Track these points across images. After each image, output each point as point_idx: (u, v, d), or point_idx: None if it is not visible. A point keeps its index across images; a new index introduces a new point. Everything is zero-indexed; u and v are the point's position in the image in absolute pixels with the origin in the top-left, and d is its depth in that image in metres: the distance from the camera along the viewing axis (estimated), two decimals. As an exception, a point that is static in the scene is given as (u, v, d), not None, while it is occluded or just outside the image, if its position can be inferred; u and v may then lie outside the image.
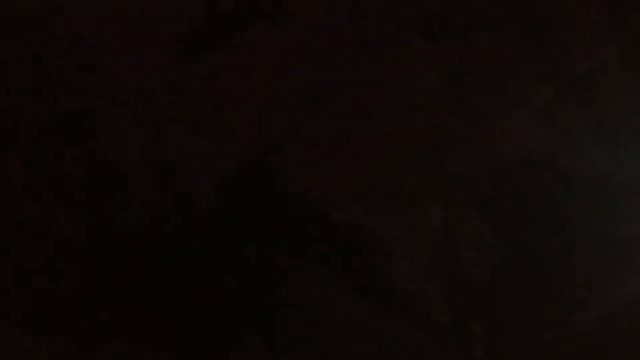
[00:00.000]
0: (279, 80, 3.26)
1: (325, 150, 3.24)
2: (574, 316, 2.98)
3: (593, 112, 3.06)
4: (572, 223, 3.02)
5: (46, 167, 3.28)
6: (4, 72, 3.20)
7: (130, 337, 3.23)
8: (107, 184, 3.24)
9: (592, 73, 3.10)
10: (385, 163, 3.17)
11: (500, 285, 3.02)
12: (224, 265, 3.30)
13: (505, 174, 3.00)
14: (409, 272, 3.16)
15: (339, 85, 3.21)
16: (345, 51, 3.21)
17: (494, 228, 3.01)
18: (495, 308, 3.05)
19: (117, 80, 3.22)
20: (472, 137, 3.05)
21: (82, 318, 3.26)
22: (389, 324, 3.25)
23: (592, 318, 2.94)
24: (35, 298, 3.26)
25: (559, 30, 3.04)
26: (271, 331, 3.22)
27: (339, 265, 3.30)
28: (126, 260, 3.23)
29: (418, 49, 3.15)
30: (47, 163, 3.25)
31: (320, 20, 3.22)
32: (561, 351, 3.08)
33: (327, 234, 3.28)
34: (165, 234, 3.26)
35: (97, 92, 3.25)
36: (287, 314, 3.23)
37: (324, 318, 3.18)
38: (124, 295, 3.22)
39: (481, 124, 3.10)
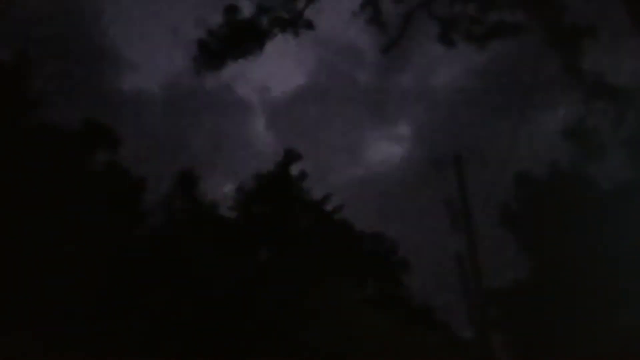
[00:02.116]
0: (299, 90, 3.26)
1: (345, 159, 3.23)
2: (599, 328, 2.92)
3: (622, 123, 2.99)
4: (599, 234, 2.96)
5: (64, 173, 3.28)
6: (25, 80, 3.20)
7: (144, 345, 3.21)
8: (126, 191, 3.23)
9: (620, 83, 3.03)
10: (404, 172, 3.15)
11: (523, 296, 2.96)
12: (243, 275, 3.27)
13: (531, 185, 2.95)
14: (431, 283, 3.11)
15: (357, 93, 3.20)
16: (363, 61, 3.21)
17: (518, 239, 2.96)
18: (519, 319, 3.00)
19: (136, 90, 3.23)
20: (498, 146, 3.00)
21: (91, 327, 3.24)
22: (411, 334, 3.21)
23: (620, 330, 2.88)
24: (45, 304, 3.24)
25: (586, 39, 2.98)
26: (290, 339, 3.20)
27: (359, 276, 3.26)
28: (144, 267, 3.22)
29: (439, 56, 3.14)
30: (66, 169, 3.25)
31: (339, 30, 3.22)
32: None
33: (348, 244, 3.24)
34: (184, 242, 3.25)
35: (117, 99, 3.25)
36: (307, 323, 3.20)
37: (343, 327, 3.14)
38: (139, 302, 3.20)
39: (507, 133, 3.04)
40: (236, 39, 3.53)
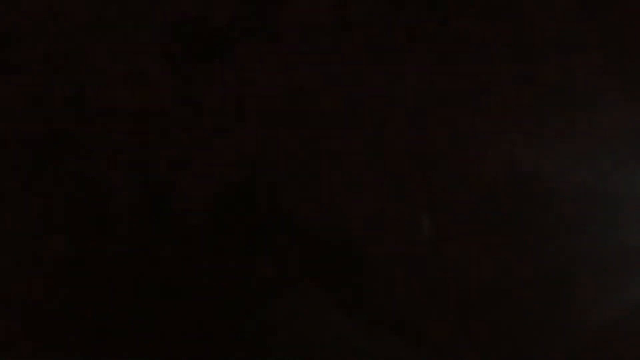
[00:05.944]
0: (269, 99, 3.25)
1: (314, 168, 3.23)
2: (566, 330, 2.98)
3: (579, 130, 3.07)
4: (559, 236, 3.03)
5: (28, 184, 3.28)
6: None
7: (114, 353, 3.22)
8: (93, 202, 3.23)
9: (578, 94, 3.12)
10: (373, 180, 3.16)
11: (491, 301, 3.01)
12: (211, 283, 3.28)
13: (492, 190, 3.01)
14: (398, 289, 3.15)
15: (326, 103, 3.20)
16: (332, 70, 3.21)
17: (482, 244, 3.01)
18: (487, 323, 3.05)
19: (105, 96, 3.22)
20: (459, 154, 3.05)
21: (67, 338, 3.25)
22: (379, 341, 3.24)
23: (585, 332, 2.93)
24: (21, 319, 3.24)
25: (546, 51, 3.04)
26: (259, 348, 3.22)
27: (327, 283, 3.29)
28: (112, 278, 3.22)
29: (404, 70, 3.15)
30: (28, 180, 3.25)
31: (308, 39, 3.22)
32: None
33: (315, 251, 3.26)
34: (151, 252, 3.25)
35: (85, 106, 3.24)
36: (275, 331, 3.22)
37: (312, 335, 3.17)
38: (110, 313, 3.20)
39: (467, 141, 3.10)
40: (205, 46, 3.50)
